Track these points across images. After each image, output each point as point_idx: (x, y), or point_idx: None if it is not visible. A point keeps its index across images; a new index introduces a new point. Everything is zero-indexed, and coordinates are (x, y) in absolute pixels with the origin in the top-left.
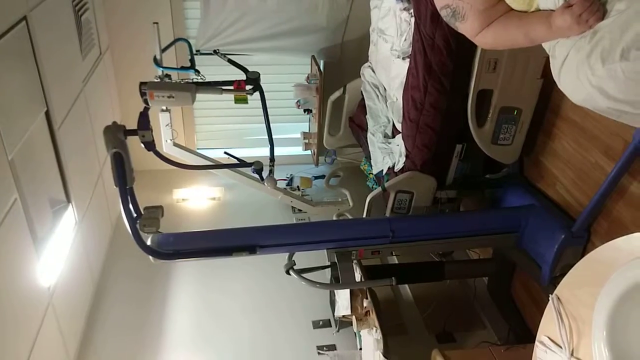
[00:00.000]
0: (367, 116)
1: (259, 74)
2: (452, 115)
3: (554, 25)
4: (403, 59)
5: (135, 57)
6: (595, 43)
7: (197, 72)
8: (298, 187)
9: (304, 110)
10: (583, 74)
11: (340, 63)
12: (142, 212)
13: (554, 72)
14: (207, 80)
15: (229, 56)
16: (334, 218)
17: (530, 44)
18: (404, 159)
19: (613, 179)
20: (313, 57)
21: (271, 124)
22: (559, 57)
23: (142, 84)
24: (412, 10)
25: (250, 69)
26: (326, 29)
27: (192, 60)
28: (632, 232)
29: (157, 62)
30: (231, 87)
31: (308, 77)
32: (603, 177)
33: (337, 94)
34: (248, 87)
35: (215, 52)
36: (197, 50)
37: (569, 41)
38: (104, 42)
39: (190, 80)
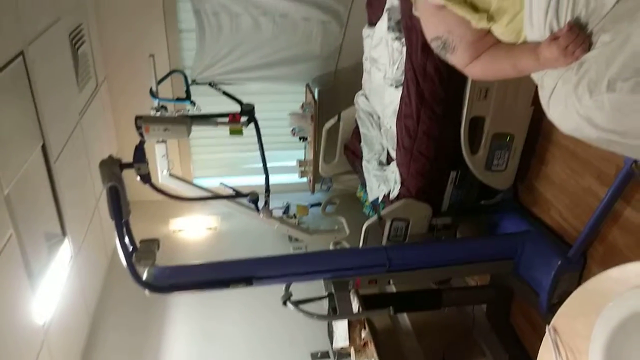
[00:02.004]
0: (362, 144)
1: (254, 106)
2: (445, 142)
3: (541, 57)
4: (396, 87)
5: (131, 88)
6: (582, 74)
7: (193, 103)
8: (295, 215)
9: (300, 138)
10: (571, 104)
11: (334, 91)
12: (138, 246)
13: (542, 102)
14: (202, 111)
15: (225, 87)
16: (331, 246)
17: (518, 75)
18: (399, 186)
19: (607, 205)
20: (307, 85)
21: (267, 152)
22: (547, 88)
23: (137, 118)
24: (403, 40)
25: (245, 97)
26: (320, 57)
27: (187, 92)
28: (627, 257)
29: (153, 94)
30: (226, 120)
31: (303, 106)
32: (596, 202)
33: (331, 121)
34: (243, 119)
35: (211, 85)
36: (193, 80)
37: (557, 72)
38: (100, 74)
39: (186, 111)
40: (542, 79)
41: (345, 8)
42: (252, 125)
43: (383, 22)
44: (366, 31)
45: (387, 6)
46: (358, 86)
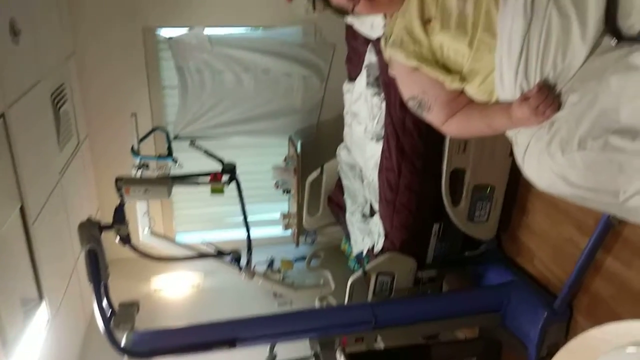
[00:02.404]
0: (345, 196)
1: (235, 165)
2: (427, 195)
3: (513, 117)
4: (377, 141)
5: (113, 146)
6: (553, 133)
7: (175, 160)
8: (279, 269)
9: (283, 191)
10: (545, 162)
11: (317, 143)
12: (117, 309)
13: (517, 159)
14: (185, 167)
15: (207, 142)
16: (317, 302)
17: (493, 133)
18: (383, 239)
19: (588, 255)
20: (290, 138)
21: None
22: (522, 145)
23: (117, 179)
24: (382, 95)
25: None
26: (302, 111)
27: (169, 149)
28: (612, 307)
29: (135, 152)
30: (207, 179)
31: (286, 159)
32: (578, 252)
33: (314, 174)
34: (224, 178)
35: (192, 144)
36: (176, 136)
37: (530, 130)
38: (82, 132)
39: (169, 169)
40: (516, 136)
41: (326, 63)
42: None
43: (362, 79)
44: (346, 86)
45: (365, 63)
46: (340, 138)
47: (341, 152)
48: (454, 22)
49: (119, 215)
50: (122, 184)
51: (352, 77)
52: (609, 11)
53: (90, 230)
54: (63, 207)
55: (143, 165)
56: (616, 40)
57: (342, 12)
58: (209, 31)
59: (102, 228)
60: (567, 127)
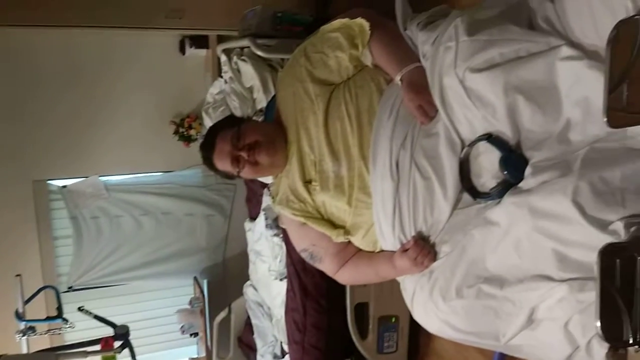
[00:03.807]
0: (255, 335)
1: (128, 328)
2: (335, 332)
3: (396, 266)
4: (280, 280)
5: None
6: (433, 282)
7: (65, 320)
8: None
9: (190, 335)
10: (430, 309)
11: (224, 281)
12: None
13: (407, 303)
14: (76, 327)
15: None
16: None
17: (383, 279)
18: None
19: None
20: (195, 278)
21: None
22: (409, 291)
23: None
24: (282, 236)
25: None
26: (206, 249)
27: (59, 309)
28: None
29: (19, 316)
30: (98, 347)
31: (191, 301)
32: None
33: (222, 314)
34: (117, 343)
35: (80, 309)
36: (70, 287)
37: (414, 277)
38: None
39: (59, 331)
40: (403, 281)
41: (228, 201)
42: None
43: (261, 220)
44: (247, 225)
45: (263, 205)
46: (247, 275)
47: (247, 290)
48: (332, 183)
49: None
50: None
51: (253, 217)
52: (463, 172)
53: None
54: None
55: (29, 329)
56: (472, 198)
57: (228, 176)
58: (104, 178)
59: None
60: (444, 276)
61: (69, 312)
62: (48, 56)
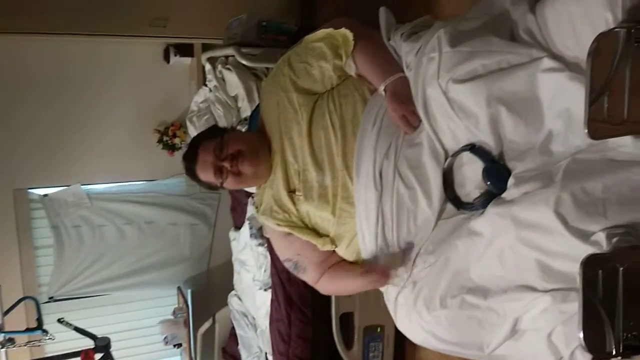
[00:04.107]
0: (240, 346)
1: (109, 340)
2: (320, 343)
3: (365, 277)
4: (265, 290)
5: None
6: (417, 292)
7: (45, 332)
8: None
9: (174, 346)
10: (414, 319)
11: (208, 291)
12: None
13: (391, 314)
14: (56, 338)
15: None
16: None
17: (363, 290)
18: None
19: None
20: (179, 288)
21: None
22: (392, 301)
23: None
24: (266, 245)
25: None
26: (190, 259)
27: (39, 320)
28: None
29: None
30: (78, 359)
31: (174, 311)
32: None
33: (206, 324)
34: (97, 355)
35: (59, 321)
36: (51, 297)
37: (398, 288)
38: None
39: (39, 342)
40: (387, 292)
41: (212, 210)
42: None
43: (245, 229)
44: (232, 234)
45: (247, 215)
46: (232, 285)
47: (232, 299)
48: (315, 193)
49: None
50: None
51: (238, 226)
52: (447, 182)
53: None
54: None
55: (8, 341)
56: (456, 208)
57: (211, 187)
58: (87, 187)
59: None
60: (429, 287)
61: (50, 323)
62: (31, 64)
